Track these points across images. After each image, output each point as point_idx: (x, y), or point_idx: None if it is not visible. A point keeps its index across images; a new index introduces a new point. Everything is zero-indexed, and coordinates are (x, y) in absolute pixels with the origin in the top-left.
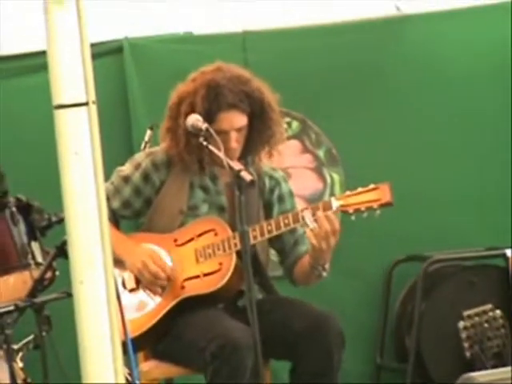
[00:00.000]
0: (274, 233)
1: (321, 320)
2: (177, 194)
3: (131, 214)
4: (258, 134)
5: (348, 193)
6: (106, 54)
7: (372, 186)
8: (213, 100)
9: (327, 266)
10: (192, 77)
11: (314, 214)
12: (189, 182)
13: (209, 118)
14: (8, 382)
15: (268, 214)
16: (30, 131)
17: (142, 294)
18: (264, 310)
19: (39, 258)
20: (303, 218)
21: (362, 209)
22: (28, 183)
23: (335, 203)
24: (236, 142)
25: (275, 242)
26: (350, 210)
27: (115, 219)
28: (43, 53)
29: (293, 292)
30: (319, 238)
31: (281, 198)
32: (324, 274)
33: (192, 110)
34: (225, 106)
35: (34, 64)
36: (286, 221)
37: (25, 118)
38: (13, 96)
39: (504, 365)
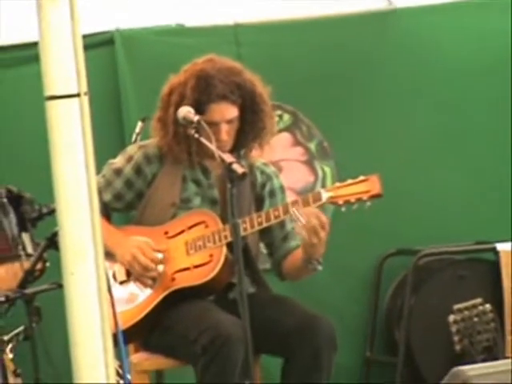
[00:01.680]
0: (264, 225)
1: (313, 320)
2: (169, 187)
3: (123, 206)
4: (250, 127)
5: (338, 184)
6: (98, 46)
7: (361, 177)
8: (203, 91)
9: (321, 259)
10: (184, 68)
11: (299, 210)
12: (181, 175)
13: (199, 109)
14: None
15: (259, 209)
16: (21, 122)
17: (132, 287)
18: (256, 305)
19: (30, 249)
20: (294, 214)
21: (352, 200)
22: (19, 174)
23: (325, 195)
24: (227, 134)
25: (265, 235)
26: (340, 202)
27: (107, 212)
28: (35, 44)
29: (282, 286)
30: (309, 233)
31: (272, 193)
32: (319, 267)
33: (182, 101)
34: (215, 97)
35: (27, 55)
36: (277, 213)
37: (17, 108)
38: (5, 86)
39: (494, 359)
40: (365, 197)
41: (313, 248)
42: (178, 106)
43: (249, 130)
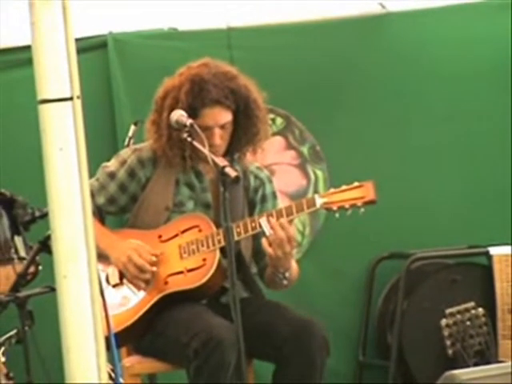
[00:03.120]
0: (258, 229)
1: (306, 326)
2: (162, 191)
3: (116, 210)
4: (243, 132)
5: (332, 190)
6: (91, 49)
7: (356, 183)
8: (197, 95)
9: (287, 274)
10: (179, 71)
11: (269, 221)
12: (175, 179)
13: (193, 113)
14: None
15: (250, 213)
16: (14, 125)
17: (125, 290)
18: (249, 310)
19: (22, 253)
20: (260, 226)
21: (346, 206)
22: (12, 178)
23: (319, 200)
24: (220, 138)
25: (254, 242)
26: (334, 208)
27: (100, 215)
28: (28, 47)
29: (275, 291)
30: (274, 246)
31: (264, 199)
32: (284, 282)
33: (176, 104)
34: (209, 102)
35: (19, 58)
36: (270, 217)
37: (9, 112)
38: None
39: (486, 363)
40: (359, 203)
41: (277, 261)
42: (172, 109)
43: (242, 134)
